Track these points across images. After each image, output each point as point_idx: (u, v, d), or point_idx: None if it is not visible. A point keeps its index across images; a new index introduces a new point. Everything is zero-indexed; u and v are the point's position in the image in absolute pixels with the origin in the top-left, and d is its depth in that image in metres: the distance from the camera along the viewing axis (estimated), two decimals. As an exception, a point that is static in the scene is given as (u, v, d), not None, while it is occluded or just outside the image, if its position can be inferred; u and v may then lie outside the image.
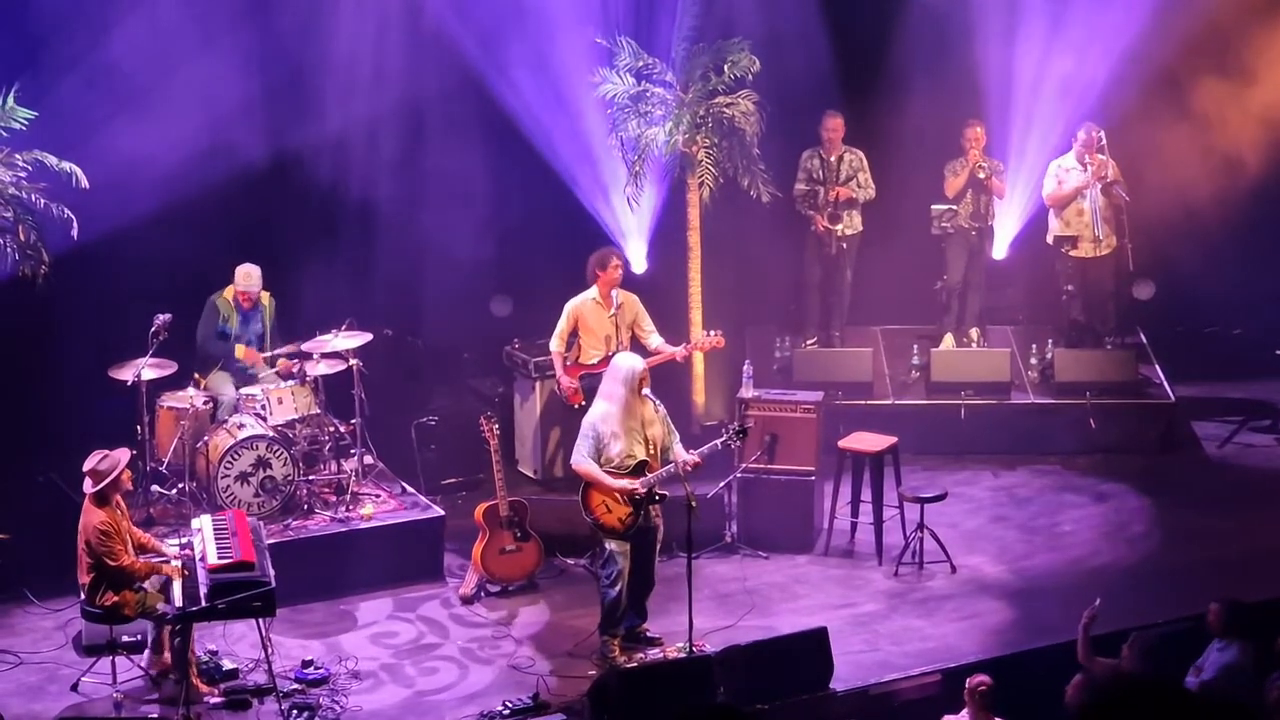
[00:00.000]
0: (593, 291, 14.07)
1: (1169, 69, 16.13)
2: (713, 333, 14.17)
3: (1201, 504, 14.53)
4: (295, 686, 11.91)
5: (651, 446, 12.16)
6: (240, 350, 14.09)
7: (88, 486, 11.59)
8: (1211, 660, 10.62)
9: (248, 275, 14.13)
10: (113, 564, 11.50)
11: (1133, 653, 10.58)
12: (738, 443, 12.97)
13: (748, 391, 14.04)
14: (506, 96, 15.40)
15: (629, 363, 12.29)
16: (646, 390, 12.20)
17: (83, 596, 11.71)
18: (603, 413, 12.13)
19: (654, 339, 14.05)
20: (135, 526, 12.07)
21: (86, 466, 11.62)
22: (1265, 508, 14.38)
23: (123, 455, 11.75)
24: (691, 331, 15.23)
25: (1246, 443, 15.67)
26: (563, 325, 14.15)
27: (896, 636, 12.56)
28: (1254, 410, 16.17)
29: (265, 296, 14.24)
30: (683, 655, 11.96)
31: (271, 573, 11.41)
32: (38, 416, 14.32)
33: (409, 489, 14.07)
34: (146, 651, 11.93)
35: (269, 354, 14.06)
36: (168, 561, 11.68)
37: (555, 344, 14.20)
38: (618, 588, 12.19)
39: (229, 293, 14.15)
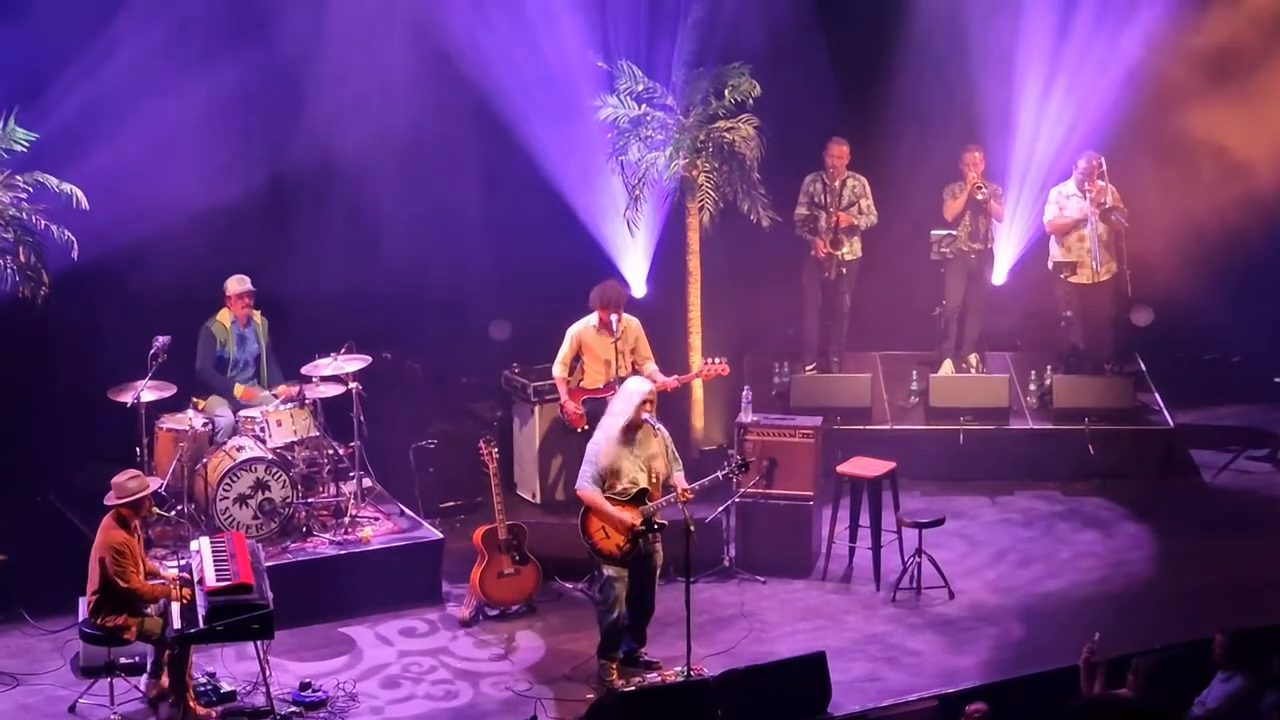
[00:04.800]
0: (593, 318, 14.09)
1: (1169, 96, 16.13)
2: (716, 360, 14.19)
3: (1199, 530, 14.55)
4: (293, 709, 11.90)
5: (654, 475, 12.17)
6: (239, 390, 14.07)
7: (110, 499, 11.62)
8: (1215, 691, 10.60)
9: (241, 280, 14.11)
10: (124, 585, 11.49)
11: (1136, 678, 10.56)
12: (739, 476, 12.99)
13: (747, 416, 14.03)
14: (507, 120, 15.41)
15: (634, 385, 12.31)
16: (648, 415, 12.21)
17: (85, 614, 11.71)
18: (606, 436, 12.14)
19: (649, 367, 14.03)
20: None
21: (115, 480, 11.67)
22: (1262, 534, 14.38)
23: (152, 483, 11.89)
24: (691, 356, 15.24)
25: (1244, 469, 15.67)
26: (565, 350, 14.17)
27: (894, 662, 12.55)
28: (1252, 438, 16.17)
29: (258, 316, 14.25)
30: (681, 679, 11.94)
31: (270, 595, 11.44)
32: (36, 438, 14.32)
33: (407, 512, 14.06)
34: (145, 674, 11.92)
35: (267, 392, 14.07)
36: (176, 587, 11.67)
37: (558, 369, 14.20)
38: (615, 613, 12.19)
39: (223, 316, 14.13)
